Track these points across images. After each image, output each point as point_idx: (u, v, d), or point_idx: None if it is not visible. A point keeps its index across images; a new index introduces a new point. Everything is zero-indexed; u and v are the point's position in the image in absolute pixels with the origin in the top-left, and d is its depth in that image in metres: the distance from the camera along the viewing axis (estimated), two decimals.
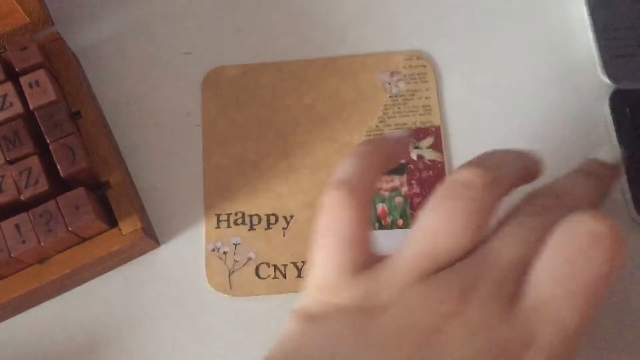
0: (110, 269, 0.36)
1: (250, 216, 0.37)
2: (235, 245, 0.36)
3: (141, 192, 0.37)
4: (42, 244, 0.31)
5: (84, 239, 0.33)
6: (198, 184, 0.37)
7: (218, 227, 0.36)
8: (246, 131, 0.38)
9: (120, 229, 0.33)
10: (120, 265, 0.36)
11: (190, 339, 0.35)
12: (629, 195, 0.36)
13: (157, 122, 0.38)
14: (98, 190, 0.34)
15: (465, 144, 0.38)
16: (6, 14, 0.35)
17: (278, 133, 0.38)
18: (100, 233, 0.33)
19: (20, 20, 0.35)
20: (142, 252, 0.36)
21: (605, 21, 0.39)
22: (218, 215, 0.37)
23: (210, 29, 0.40)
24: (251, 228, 0.36)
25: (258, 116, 0.38)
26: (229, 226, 0.36)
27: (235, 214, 0.37)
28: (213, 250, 0.36)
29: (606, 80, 0.38)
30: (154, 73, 0.39)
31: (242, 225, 0.36)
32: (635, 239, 0.36)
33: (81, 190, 0.31)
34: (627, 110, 0.37)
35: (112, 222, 0.33)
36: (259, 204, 0.37)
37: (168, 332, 0.35)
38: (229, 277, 0.35)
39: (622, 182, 0.36)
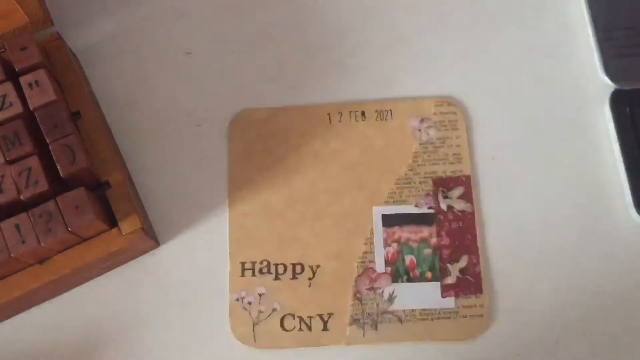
0: (110, 268, 0.36)
1: (276, 265, 0.36)
2: (260, 295, 0.35)
3: (141, 192, 0.37)
4: (42, 244, 0.31)
5: (84, 239, 0.33)
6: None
7: (243, 275, 0.36)
8: (273, 177, 0.37)
9: (120, 229, 0.33)
10: (120, 265, 0.36)
11: None
12: (629, 196, 0.36)
13: (157, 123, 0.38)
14: (98, 190, 0.34)
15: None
16: (6, 14, 0.35)
17: (305, 179, 0.37)
18: (100, 233, 0.33)
19: (20, 20, 0.35)
20: (141, 252, 0.36)
21: (605, 21, 0.39)
22: (243, 264, 0.36)
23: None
24: (276, 277, 0.36)
25: (285, 161, 0.37)
26: (253, 275, 0.36)
27: (260, 263, 0.36)
28: (237, 300, 0.35)
29: (606, 80, 0.38)
30: (154, 73, 0.39)
31: (267, 275, 0.36)
32: (635, 239, 0.36)
33: (81, 190, 0.31)
34: (627, 110, 0.37)
35: (112, 222, 0.33)
36: (284, 253, 0.36)
37: (168, 333, 0.35)
38: (253, 328, 0.35)
39: (622, 181, 0.37)
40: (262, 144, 0.38)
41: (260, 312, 0.35)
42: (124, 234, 0.33)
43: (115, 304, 0.35)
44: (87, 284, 0.36)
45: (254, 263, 0.36)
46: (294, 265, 0.36)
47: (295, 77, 0.39)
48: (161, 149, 0.38)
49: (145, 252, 0.36)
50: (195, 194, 0.37)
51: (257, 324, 0.35)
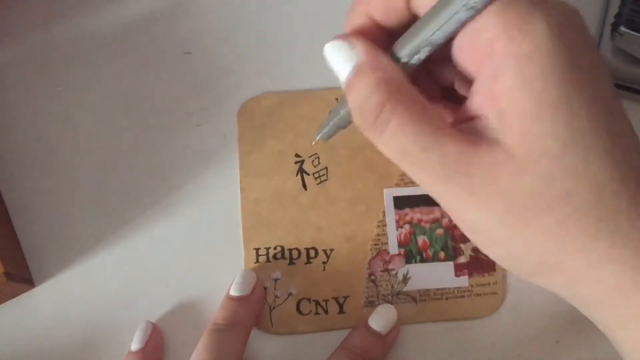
0: None
1: (290, 250, 0.36)
2: (275, 280, 0.35)
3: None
4: None
5: None
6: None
7: (257, 261, 0.36)
8: (283, 162, 0.37)
9: None
10: None
11: None
12: None
13: (158, 122, 0.38)
14: None
15: None
16: None
17: (315, 164, 0.37)
18: None
19: None
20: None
21: None
22: (257, 250, 0.36)
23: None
24: (291, 262, 0.36)
25: (295, 146, 0.37)
26: (268, 260, 0.36)
27: (274, 248, 0.36)
28: None
29: None
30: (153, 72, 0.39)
31: (281, 260, 0.36)
32: None
33: None
34: None
35: None
36: (298, 238, 0.36)
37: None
38: (269, 313, 0.35)
39: None
40: (270, 131, 0.37)
41: (276, 297, 0.35)
42: None
43: None
44: None
45: (267, 249, 0.36)
46: (307, 249, 0.36)
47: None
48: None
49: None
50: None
51: (273, 309, 0.35)
